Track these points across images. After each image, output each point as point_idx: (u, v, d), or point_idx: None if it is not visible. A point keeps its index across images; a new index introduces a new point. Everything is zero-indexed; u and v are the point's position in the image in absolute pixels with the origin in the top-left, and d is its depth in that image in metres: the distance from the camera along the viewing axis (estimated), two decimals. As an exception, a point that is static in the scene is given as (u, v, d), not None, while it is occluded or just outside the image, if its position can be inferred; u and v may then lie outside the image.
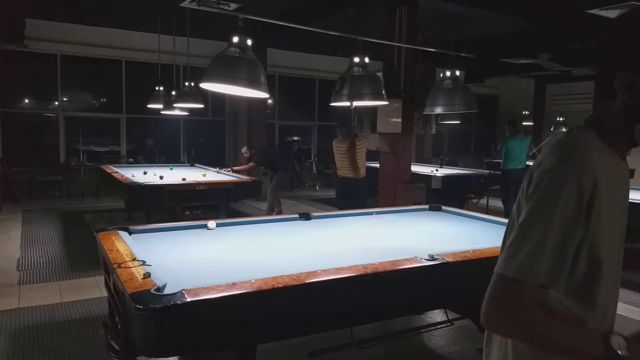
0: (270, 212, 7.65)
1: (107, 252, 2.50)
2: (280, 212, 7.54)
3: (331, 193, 11.54)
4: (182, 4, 6.50)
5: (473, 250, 2.67)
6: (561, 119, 11.43)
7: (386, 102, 3.80)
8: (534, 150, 8.22)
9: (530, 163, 8.55)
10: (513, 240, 1.05)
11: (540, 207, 1.03)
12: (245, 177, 6.73)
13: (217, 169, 7.60)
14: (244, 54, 2.65)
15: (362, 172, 6.11)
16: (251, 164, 7.69)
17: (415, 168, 7.88)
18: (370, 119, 7.15)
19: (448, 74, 4.15)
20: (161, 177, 6.23)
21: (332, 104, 3.63)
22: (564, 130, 11.36)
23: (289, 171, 8.40)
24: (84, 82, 10.30)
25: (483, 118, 14.25)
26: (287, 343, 2.65)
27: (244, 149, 8.06)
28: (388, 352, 3.38)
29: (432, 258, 2.49)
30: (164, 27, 8.11)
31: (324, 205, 9.60)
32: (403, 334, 3.44)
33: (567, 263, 1.03)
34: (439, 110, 4.27)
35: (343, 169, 6.16)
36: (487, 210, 7.25)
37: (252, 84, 2.65)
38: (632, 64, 1.05)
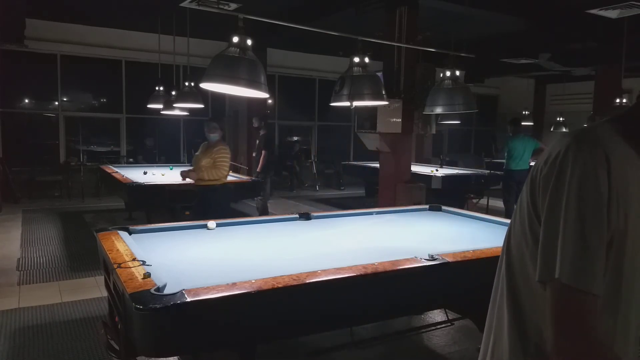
0: (267, 199, 7.57)
1: (107, 252, 2.50)
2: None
3: (331, 193, 11.57)
4: (182, 4, 6.50)
5: (473, 250, 2.67)
6: (561, 119, 11.43)
7: (386, 102, 3.80)
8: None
9: (534, 164, 8.65)
10: (550, 241, 0.97)
11: (561, 197, 0.96)
12: (245, 177, 6.72)
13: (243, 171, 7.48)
14: (244, 54, 2.65)
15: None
16: (264, 153, 7.58)
17: (415, 168, 7.88)
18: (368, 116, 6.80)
19: (448, 74, 4.15)
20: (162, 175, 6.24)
21: (332, 104, 3.63)
22: (563, 130, 11.41)
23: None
24: (84, 82, 10.30)
25: (483, 118, 14.26)
26: (287, 343, 2.65)
27: (255, 123, 7.99)
28: (388, 352, 3.38)
29: (432, 258, 2.49)
30: (164, 27, 8.11)
31: (324, 205, 9.60)
32: (403, 334, 3.44)
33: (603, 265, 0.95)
34: (439, 110, 4.27)
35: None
36: (487, 210, 7.26)
37: (252, 84, 2.65)
38: None
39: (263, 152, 7.61)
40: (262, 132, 7.88)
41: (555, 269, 0.94)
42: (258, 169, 7.65)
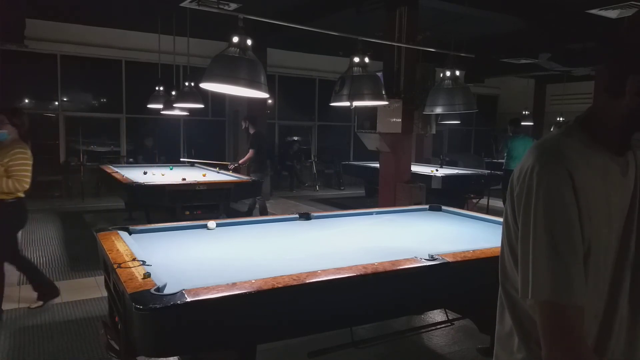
0: (265, 199, 7.59)
1: (107, 252, 2.50)
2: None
3: (331, 193, 11.57)
4: (182, 4, 6.51)
5: (473, 250, 2.67)
6: (561, 119, 11.44)
7: (386, 102, 3.80)
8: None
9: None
10: (525, 260, 1.00)
11: (529, 216, 1.00)
12: (245, 177, 6.73)
13: (218, 170, 7.60)
14: (244, 54, 2.65)
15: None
16: (250, 151, 7.51)
17: (415, 168, 7.88)
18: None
19: (448, 74, 4.15)
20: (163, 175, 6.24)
21: (332, 104, 3.63)
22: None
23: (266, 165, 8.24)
24: (84, 82, 10.30)
25: (483, 118, 14.26)
26: (287, 343, 2.65)
27: (243, 125, 7.99)
28: (388, 352, 3.38)
29: (432, 258, 2.49)
30: (164, 27, 8.11)
31: (324, 205, 9.60)
32: (403, 334, 3.43)
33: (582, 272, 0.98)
34: (439, 110, 4.27)
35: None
36: (487, 210, 7.26)
37: (252, 84, 2.65)
38: None
39: (250, 150, 7.61)
40: (251, 131, 7.96)
41: (529, 285, 0.98)
42: (240, 162, 7.68)
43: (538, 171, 1.00)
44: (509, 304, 1.14)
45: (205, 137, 11.72)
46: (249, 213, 7.51)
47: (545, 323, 0.97)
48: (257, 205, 7.50)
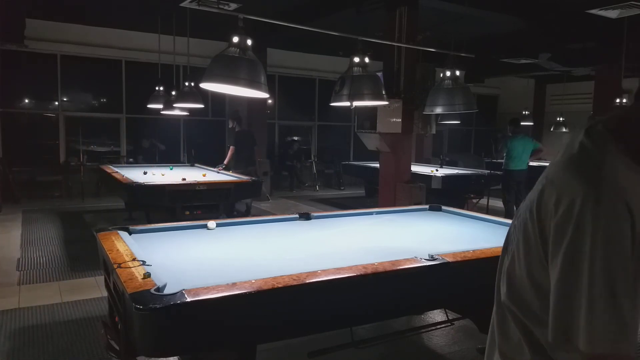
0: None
1: (107, 252, 2.50)
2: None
3: (331, 193, 11.57)
4: (182, 4, 6.50)
5: (473, 250, 2.67)
6: (561, 119, 11.43)
7: (386, 102, 3.80)
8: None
9: (533, 164, 8.46)
10: (571, 306, 0.86)
11: (582, 261, 0.85)
12: (245, 177, 6.73)
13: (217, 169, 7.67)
14: (244, 54, 2.65)
15: None
16: (231, 148, 7.94)
17: (415, 168, 7.88)
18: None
19: (448, 74, 4.15)
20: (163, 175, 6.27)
21: (332, 104, 3.63)
22: (564, 130, 11.41)
23: (254, 165, 8.41)
24: (84, 82, 10.30)
25: (483, 118, 14.26)
26: (287, 343, 2.65)
27: (230, 123, 8.45)
28: (388, 352, 3.38)
29: (432, 258, 2.49)
30: (164, 27, 8.11)
31: (324, 205, 9.60)
32: (403, 334, 3.43)
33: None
34: (439, 110, 4.27)
35: None
36: (487, 210, 7.25)
37: (252, 84, 2.65)
38: None
39: (230, 147, 8.02)
40: (236, 130, 8.25)
41: (579, 336, 0.85)
42: (225, 162, 8.00)
43: (593, 207, 0.85)
44: (522, 329, 1.02)
45: (205, 137, 11.72)
46: (247, 213, 7.54)
47: None
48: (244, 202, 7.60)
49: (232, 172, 7.45)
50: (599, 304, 0.84)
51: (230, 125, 8.63)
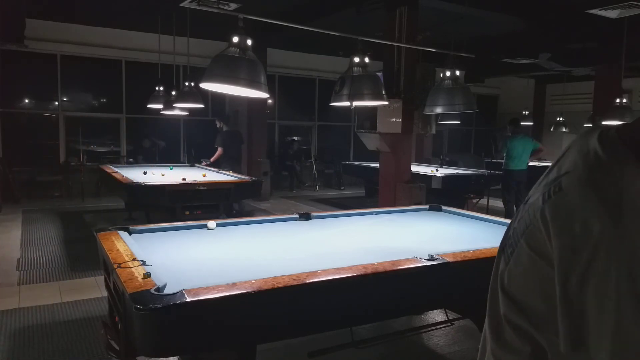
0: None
1: (107, 252, 2.50)
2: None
3: (331, 193, 11.57)
4: (182, 4, 6.50)
5: (473, 250, 2.67)
6: (561, 119, 11.43)
7: (386, 102, 3.80)
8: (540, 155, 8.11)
9: (533, 164, 8.44)
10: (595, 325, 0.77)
11: (606, 282, 0.75)
12: (245, 177, 6.73)
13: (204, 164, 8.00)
14: (244, 54, 2.65)
15: None
16: (219, 149, 8.31)
17: (415, 168, 7.88)
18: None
19: (448, 74, 4.15)
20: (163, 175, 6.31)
21: (332, 104, 3.63)
22: (564, 130, 11.40)
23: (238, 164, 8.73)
24: (84, 82, 10.29)
25: (483, 118, 14.26)
26: (287, 343, 2.65)
27: (218, 124, 8.83)
28: (388, 352, 3.38)
29: (432, 258, 2.49)
30: (164, 27, 8.11)
31: (324, 205, 9.60)
32: (403, 334, 3.43)
33: None
34: (439, 110, 4.27)
35: None
36: (487, 210, 7.25)
37: (252, 84, 2.65)
38: None
39: (219, 148, 8.39)
40: (224, 130, 8.62)
41: (602, 345, 0.76)
42: (211, 160, 8.40)
43: (614, 227, 0.77)
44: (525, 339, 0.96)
45: (205, 137, 11.71)
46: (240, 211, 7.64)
47: None
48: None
49: (223, 170, 7.61)
50: (628, 309, 0.75)
51: (218, 125, 8.92)
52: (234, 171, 7.66)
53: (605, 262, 0.78)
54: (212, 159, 8.42)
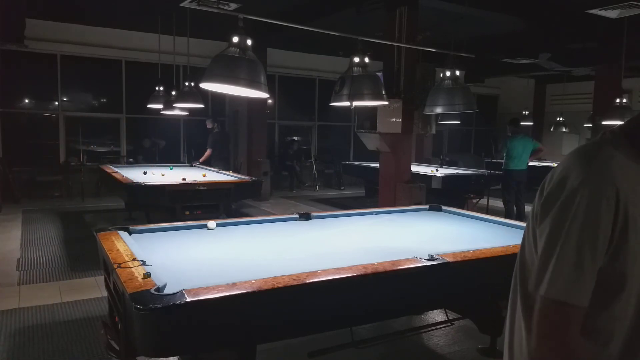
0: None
1: (107, 252, 2.50)
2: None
3: (331, 193, 11.57)
4: (182, 4, 6.50)
5: (473, 250, 2.66)
6: (561, 119, 11.43)
7: (386, 102, 3.80)
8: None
9: (533, 164, 8.43)
10: (547, 259, 1.00)
11: (564, 222, 0.98)
12: (245, 177, 6.73)
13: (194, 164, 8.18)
14: (244, 54, 2.65)
15: None
16: (208, 150, 8.68)
17: (415, 168, 7.88)
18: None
19: (448, 74, 4.15)
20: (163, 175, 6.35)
21: (332, 104, 3.63)
22: (564, 130, 11.40)
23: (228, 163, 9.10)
24: (84, 82, 10.29)
25: (483, 118, 14.26)
26: (287, 343, 2.65)
27: (209, 124, 9.16)
28: (388, 352, 3.38)
29: (432, 258, 2.49)
30: (164, 27, 8.11)
31: (324, 205, 9.60)
32: (403, 334, 3.43)
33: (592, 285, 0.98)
34: (439, 110, 4.27)
35: None
36: (487, 210, 7.25)
37: (252, 84, 2.65)
38: None
39: (208, 149, 8.74)
40: (215, 131, 8.91)
41: (543, 285, 0.99)
42: (200, 160, 8.75)
43: (582, 182, 0.97)
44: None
45: (205, 137, 11.70)
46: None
47: (544, 318, 0.98)
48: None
49: (215, 169, 7.81)
50: (564, 264, 0.97)
51: (209, 127, 9.21)
52: (224, 170, 7.86)
53: (568, 210, 0.97)
54: (201, 160, 8.72)
